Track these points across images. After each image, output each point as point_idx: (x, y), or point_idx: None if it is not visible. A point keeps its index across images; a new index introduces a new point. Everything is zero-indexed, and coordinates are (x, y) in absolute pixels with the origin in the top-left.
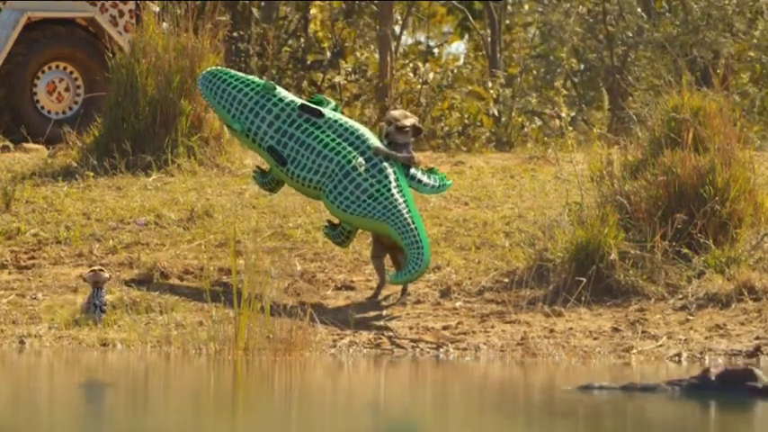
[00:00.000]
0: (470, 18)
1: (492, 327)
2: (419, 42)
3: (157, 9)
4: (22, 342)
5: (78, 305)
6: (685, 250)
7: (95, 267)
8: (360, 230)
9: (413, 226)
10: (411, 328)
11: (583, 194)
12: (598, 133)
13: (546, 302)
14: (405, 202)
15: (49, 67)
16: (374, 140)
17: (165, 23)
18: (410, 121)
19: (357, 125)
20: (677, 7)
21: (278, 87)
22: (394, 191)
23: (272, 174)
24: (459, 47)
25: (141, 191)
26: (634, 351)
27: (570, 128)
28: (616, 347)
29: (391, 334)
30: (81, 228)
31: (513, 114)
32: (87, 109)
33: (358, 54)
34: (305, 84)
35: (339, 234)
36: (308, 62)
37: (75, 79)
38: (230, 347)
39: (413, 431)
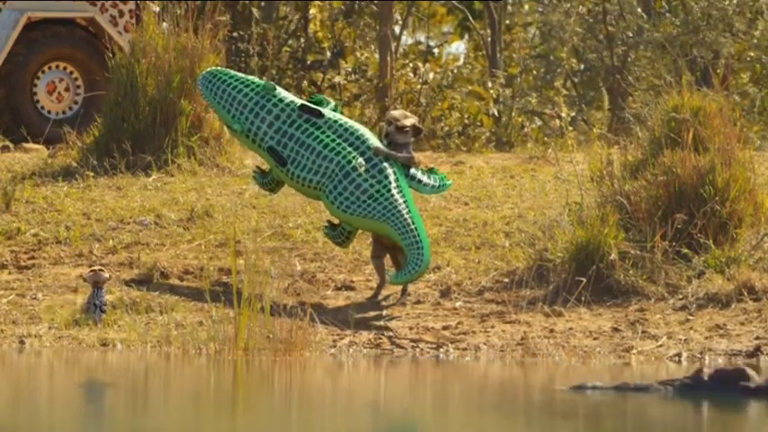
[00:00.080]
0: (470, 18)
1: (492, 327)
2: (419, 42)
3: (157, 9)
4: (22, 342)
5: (78, 305)
6: (685, 250)
7: (95, 267)
8: (360, 231)
9: (413, 226)
10: (411, 328)
11: (583, 194)
12: (598, 133)
13: (546, 302)
14: (405, 202)
15: (49, 67)
16: (374, 141)
17: (165, 23)
18: (410, 121)
19: (357, 125)
20: (677, 7)
21: (278, 88)
22: (394, 191)
23: (272, 174)
24: (459, 47)
25: (141, 191)
26: (634, 351)
27: (570, 128)
28: (616, 347)
29: (391, 334)
30: (81, 228)
31: (513, 114)
32: (87, 109)
33: (358, 54)
34: (305, 84)
35: (339, 234)
36: (308, 62)
37: (76, 79)
38: (230, 347)
39: (413, 431)
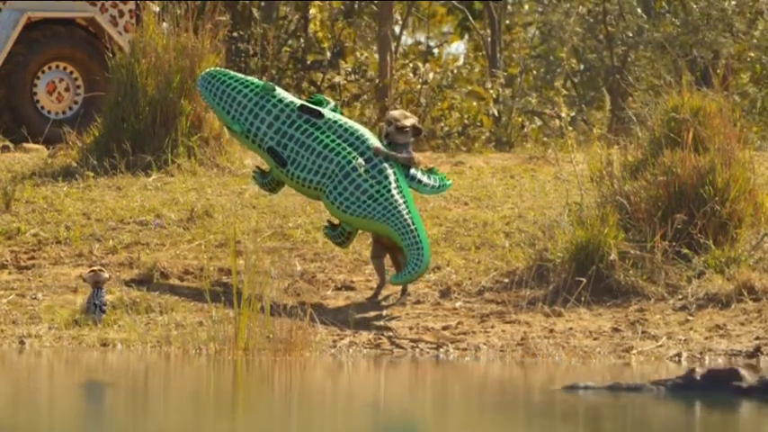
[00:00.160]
0: (470, 18)
1: (492, 327)
2: (419, 42)
3: (157, 9)
4: (22, 342)
5: (78, 305)
6: (685, 250)
7: (95, 267)
8: (360, 231)
9: (413, 227)
10: (411, 329)
11: (583, 194)
12: (598, 133)
13: (546, 302)
14: (405, 202)
15: (49, 67)
16: (374, 141)
17: (165, 23)
18: (410, 121)
19: (357, 125)
20: (677, 7)
21: (277, 88)
22: (394, 191)
23: (272, 174)
24: (459, 47)
25: (141, 191)
26: (634, 351)
27: (570, 128)
28: (616, 348)
29: (391, 334)
30: (81, 228)
31: (513, 114)
32: (87, 109)
33: (358, 54)
34: (305, 84)
35: (339, 234)
36: (308, 62)
37: (75, 79)
38: (230, 347)
39: (413, 431)
